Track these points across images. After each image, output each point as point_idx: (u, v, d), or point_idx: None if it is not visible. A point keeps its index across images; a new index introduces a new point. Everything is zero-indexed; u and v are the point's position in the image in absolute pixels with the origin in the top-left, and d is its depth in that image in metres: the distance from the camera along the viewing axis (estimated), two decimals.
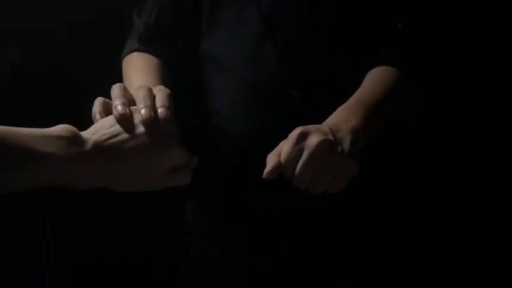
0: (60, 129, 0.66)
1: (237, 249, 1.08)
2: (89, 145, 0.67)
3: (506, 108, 1.27)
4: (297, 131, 0.82)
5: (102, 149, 0.68)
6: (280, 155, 0.81)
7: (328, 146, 0.81)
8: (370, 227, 1.07)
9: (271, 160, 0.81)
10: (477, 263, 1.31)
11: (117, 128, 0.70)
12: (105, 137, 0.69)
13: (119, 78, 1.24)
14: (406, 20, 0.99)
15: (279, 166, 0.80)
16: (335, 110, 0.89)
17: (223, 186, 1.07)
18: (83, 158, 0.66)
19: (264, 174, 0.80)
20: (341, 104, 0.91)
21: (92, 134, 0.69)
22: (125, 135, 0.69)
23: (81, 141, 0.66)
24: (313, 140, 0.80)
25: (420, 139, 1.26)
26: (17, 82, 1.27)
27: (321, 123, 0.87)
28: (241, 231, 1.07)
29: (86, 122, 0.73)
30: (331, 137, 0.82)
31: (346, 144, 0.83)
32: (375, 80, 0.95)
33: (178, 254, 1.20)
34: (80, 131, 0.69)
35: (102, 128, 0.70)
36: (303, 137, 0.81)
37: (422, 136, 1.26)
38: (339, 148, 0.82)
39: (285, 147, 0.81)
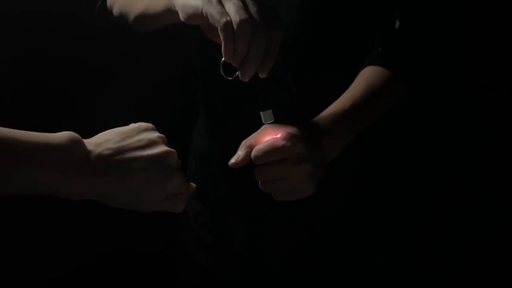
0: (63, 137, 0.63)
1: (226, 235, 1.08)
2: (91, 158, 0.64)
3: (506, 108, 1.27)
4: (282, 135, 0.81)
5: (104, 164, 0.65)
6: (251, 146, 0.81)
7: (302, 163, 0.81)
8: (369, 226, 1.08)
9: (241, 152, 0.81)
10: (477, 263, 1.31)
11: (124, 144, 0.67)
12: (109, 152, 0.66)
13: (122, 78, 1.26)
14: (401, 16, 0.98)
15: (246, 159, 0.81)
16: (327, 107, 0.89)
17: (214, 174, 1.08)
18: (82, 171, 0.63)
19: (230, 163, 0.81)
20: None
21: (97, 145, 0.66)
22: (130, 155, 0.67)
23: (84, 153, 0.64)
24: (301, 150, 0.80)
25: (420, 139, 1.26)
26: (21, 81, 1.27)
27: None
28: (230, 217, 1.07)
29: (86, 121, 0.72)
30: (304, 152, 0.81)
31: (315, 165, 0.82)
32: (362, 83, 0.94)
33: (176, 248, 1.21)
34: (83, 129, 0.67)
35: (108, 141, 0.67)
36: (288, 143, 0.80)
37: (421, 136, 1.27)
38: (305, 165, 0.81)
39: (266, 146, 0.80)
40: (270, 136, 0.81)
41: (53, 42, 1.27)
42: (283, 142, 0.80)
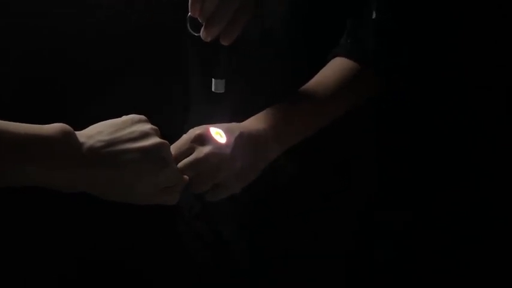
0: (54, 129, 0.63)
1: (225, 232, 1.08)
2: (82, 150, 0.64)
3: (505, 108, 1.27)
4: (198, 130, 0.81)
5: (96, 156, 0.65)
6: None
7: (217, 160, 0.80)
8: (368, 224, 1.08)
9: None
10: (477, 263, 1.31)
11: (116, 136, 0.67)
12: (101, 144, 0.66)
13: (127, 77, 1.26)
14: (379, 7, 0.96)
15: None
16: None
17: None
18: (74, 163, 0.63)
19: None
20: None
21: (88, 137, 0.66)
22: (123, 147, 0.67)
23: (75, 145, 0.63)
24: (204, 150, 0.80)
25: (419, 139, 1.26)
26: (21, 81, 1.27)
27: None
28: (220, 211, 1.07)
29: (86, 120, 0.72)
30: (226, 151, 0.80)
31: (240, 164, 0.82)
32: (321, 78, 0.93)
33: (175, 248, 1.21)
34: (81, 128, 0.67)
35: (100, 133, 0.67)
36: (201, 139, 0.81)
37: (421, 136, 1.27)
38: (227, 166, 0.81)
39: (181, 139, 0.81)
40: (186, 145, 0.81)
41: (53, 42, 1.27)
42: (195, 133, 0.80)
